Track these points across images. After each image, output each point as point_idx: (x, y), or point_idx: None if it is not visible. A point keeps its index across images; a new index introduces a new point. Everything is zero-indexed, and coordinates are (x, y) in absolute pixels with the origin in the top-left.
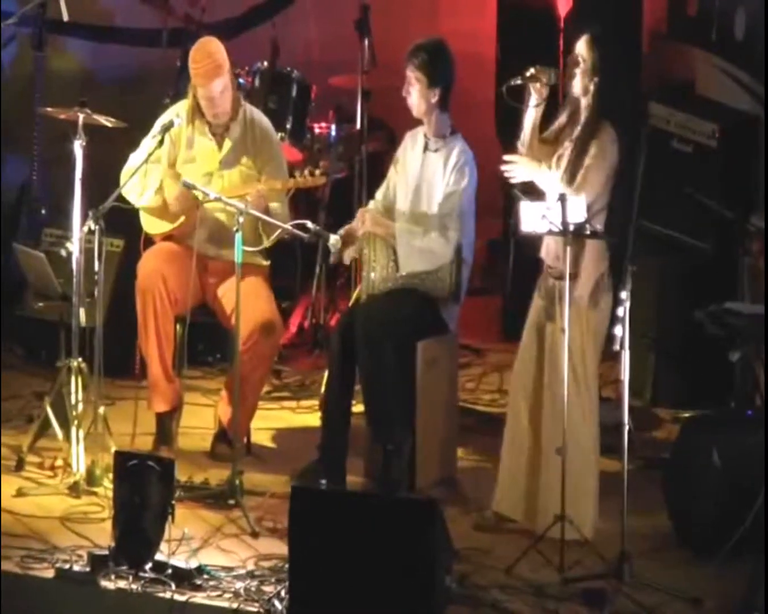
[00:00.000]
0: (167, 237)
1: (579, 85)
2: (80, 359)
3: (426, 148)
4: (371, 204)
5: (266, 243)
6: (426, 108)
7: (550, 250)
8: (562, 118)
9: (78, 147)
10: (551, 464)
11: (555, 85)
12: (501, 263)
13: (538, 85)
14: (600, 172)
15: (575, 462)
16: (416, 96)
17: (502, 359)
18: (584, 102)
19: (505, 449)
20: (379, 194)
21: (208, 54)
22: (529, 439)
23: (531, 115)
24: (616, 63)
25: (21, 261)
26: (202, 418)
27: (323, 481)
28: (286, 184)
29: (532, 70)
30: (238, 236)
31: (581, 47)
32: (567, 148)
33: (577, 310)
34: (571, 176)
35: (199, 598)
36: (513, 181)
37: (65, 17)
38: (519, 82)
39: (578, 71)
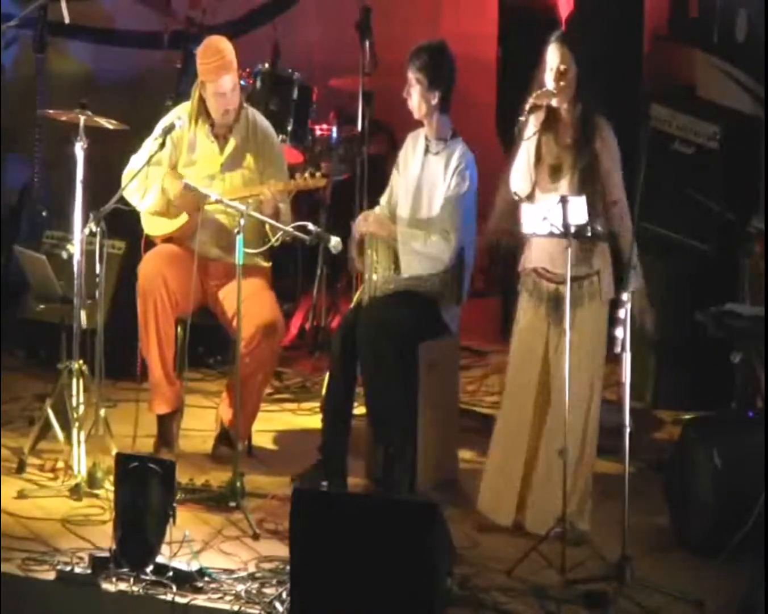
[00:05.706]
0: (168, 239)
1: (566, 95)
2: (81, 361)
3: (427, 150)
4: (377, 210)
5: (272, 242)
6: (426, 110)
7: (549, 254)
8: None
9: (79, 149)
10: (554, 465)
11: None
12: (501, 265)
13: (538, 112)
14: (618, 164)
15: (581, 461)
16: (417, 98)
17: (503, 361)
18: (568, 108)
19: (500, 450)
20: (384, 199)
21: (218, 51)
22: (528, 441)
23: (532, 144)
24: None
25: (22, 263)
26: (203, 420)
27: (324, 483)
28: (287, 185)
29: (532, 101)
30: (239, 238)
31: (556, 57)
32: (562, 159)
33: (597, 310)
34: (582, 183)
35: (200, 600)
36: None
37: (66, 19)
38: (524, 118)
39: (563, 83)
